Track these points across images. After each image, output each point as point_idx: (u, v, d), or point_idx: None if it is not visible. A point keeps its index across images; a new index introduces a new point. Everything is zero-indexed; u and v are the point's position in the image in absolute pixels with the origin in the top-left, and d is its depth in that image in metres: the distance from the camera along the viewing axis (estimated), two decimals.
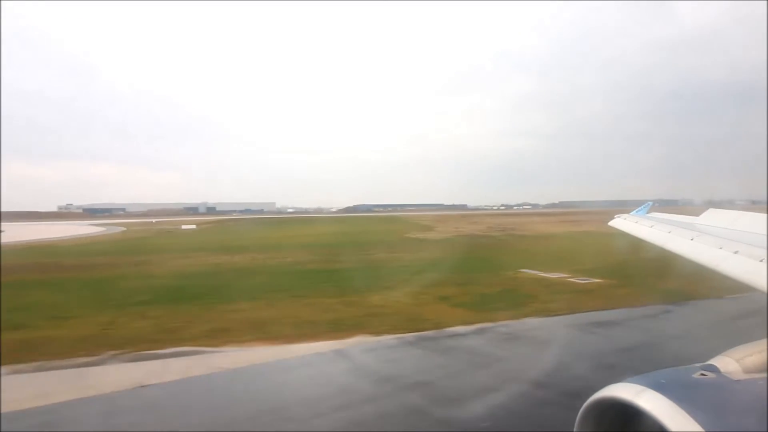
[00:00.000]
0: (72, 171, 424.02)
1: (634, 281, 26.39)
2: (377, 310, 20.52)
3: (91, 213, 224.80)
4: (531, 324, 18.48)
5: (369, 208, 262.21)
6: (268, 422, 10.28)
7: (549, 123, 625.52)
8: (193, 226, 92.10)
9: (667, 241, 5.93)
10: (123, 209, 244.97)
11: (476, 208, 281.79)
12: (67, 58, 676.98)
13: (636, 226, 7.65)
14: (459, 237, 64.45)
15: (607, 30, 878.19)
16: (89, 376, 13.30)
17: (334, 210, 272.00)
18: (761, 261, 3.72)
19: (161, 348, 15.50)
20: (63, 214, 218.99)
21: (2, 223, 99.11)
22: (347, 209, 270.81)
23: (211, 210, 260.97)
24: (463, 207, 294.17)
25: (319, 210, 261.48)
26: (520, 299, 22.54)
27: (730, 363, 2.75)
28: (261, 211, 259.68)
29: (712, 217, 6.48)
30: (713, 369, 2.73)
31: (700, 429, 2.16)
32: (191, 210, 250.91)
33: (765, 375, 2.69)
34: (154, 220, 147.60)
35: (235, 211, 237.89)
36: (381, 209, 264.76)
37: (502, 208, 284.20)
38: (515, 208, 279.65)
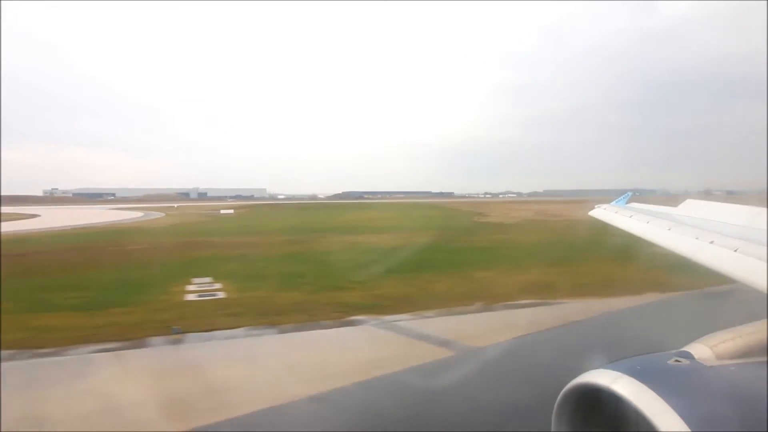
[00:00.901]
0: (44, 155, 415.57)
1: None
2: (636, 275, 23.82)
3: (88, 197, 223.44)
4: None
5: (360, 195, 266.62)
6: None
7: (523, 113, 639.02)
8: (231, 211, 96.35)
9: (646, 231, 5.99)
10: (113, 194, 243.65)
11: (463, 196, 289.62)
12: (40, 42, 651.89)
13: (616, 216, 7.73)
14: (528, 222, 69.28)
15: (583, 21, 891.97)
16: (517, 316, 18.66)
17: (322, 197, 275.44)
18: (735, 251, 3.80)
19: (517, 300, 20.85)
20: (52, 199, 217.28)
21: (35, 207, 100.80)
22: (337, 195, 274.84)
23: (202, 195, 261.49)
24: (450, 195, 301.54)
25: (313, 196, 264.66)
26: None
27: (704, 350, 2.82)
28: (252, 197, 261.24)
29: (690, 208, 6.69)
30: (687, 356, 2.82)
31: (675, 414, 2.23)
32: (183, 195, 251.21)
33: (737, 361, 2.78)
34: (176, 205, 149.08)
35: (227, 197, 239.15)
36: (370, 196, 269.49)
37: (488, 196, 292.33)
38: (500, 196, 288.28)
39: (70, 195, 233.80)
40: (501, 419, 9.76)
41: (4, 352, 13.93)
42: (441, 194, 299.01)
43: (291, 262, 32.25)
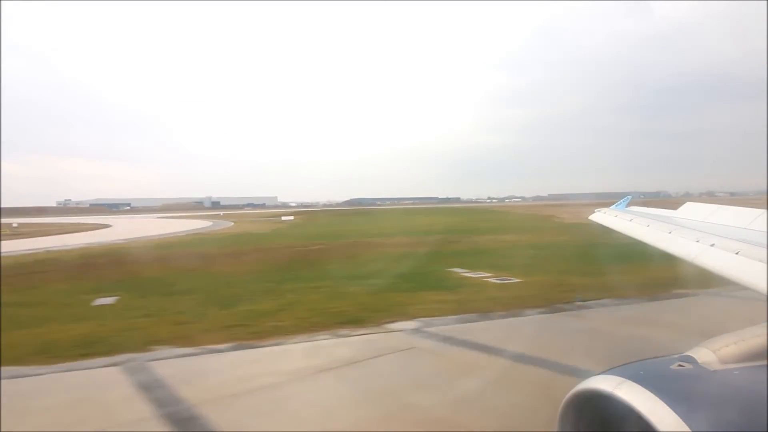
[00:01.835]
0: (42, 166, 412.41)
1: None
2: None
3: (107, 207, 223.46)
4: None
5: (372, 202, 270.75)
6: None
7: (520, 117, 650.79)
8: (292, 218, 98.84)
9: (646, 235, 6.04)
10: (128, 204, 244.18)
11: (469, 201, 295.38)
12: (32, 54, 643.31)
13: (616, 219, 7.77)
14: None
15: (581, 25, 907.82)
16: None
17: (334, 204, 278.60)
18: (736, 254, 3.78)
19: None
20: (69, 210, 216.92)
21: (103, 218, 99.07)
22: (348, 202, 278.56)
23: (215, 204, 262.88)
24: (456, 200, 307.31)
25: (329, 203, 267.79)
26: None
27: (707, 354, 2.82)
28: (263, 205, 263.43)
29: (690, 211, 6.79)
30: (690, 360, 2.82)
31: (678, 419, 2.24)
32: (197, 204, 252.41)
33: (740, 365, 2.77)
34: (221, 213, 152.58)
35: (245, 205, 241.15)
36: (379, 202, 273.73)
37: (495, 201, 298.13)
38: (507, 201, 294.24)
39: (87, 205, 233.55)
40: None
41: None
42: (448, 200, 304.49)
43: (506, 256, 32.20)
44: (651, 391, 2.39)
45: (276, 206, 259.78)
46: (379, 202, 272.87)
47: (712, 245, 4.23)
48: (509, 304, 17.81)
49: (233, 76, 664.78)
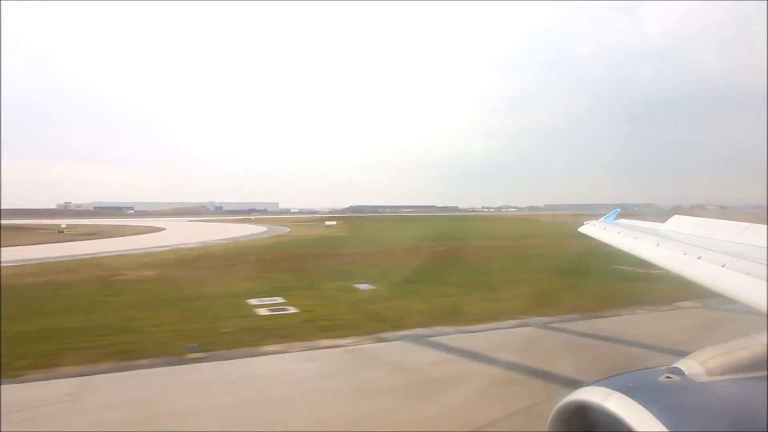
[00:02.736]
0: (34, 169, 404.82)
1: None
2: None
3: (110, 210, 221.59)
4: None
5: (375, 209, 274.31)
6: None
7: (512, 125, 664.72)
8: (334, 223, 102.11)
9: (634, 247, 6.10)
10: (132, 208, 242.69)
11: (466, 210, 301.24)
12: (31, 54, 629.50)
13: (604, 232, 7.92)
14: None
15: (575, 34, 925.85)
16: None
17: (339, 210, 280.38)
18: (723, 266, 3.82)
19: None
20: (70, 212, 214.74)
21: (153, 219, 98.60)
22: (349, 209, 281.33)
23: (218, 209, 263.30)
24: (455, 209, 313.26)
25: (333, 210, 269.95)
26: None
27: (695, 366, 2.82)
28: (265, 211, 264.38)
29: (677, 224, 6.94)
30: (678, 371, 2.82)
31: (666, 430, 2.25)
32: (201, 208, 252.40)
33: (727, 377, 2.78)
34: (252, 218, 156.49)
35: (253, 210, 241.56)
36: (380, 210, 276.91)
37: (492, 210, 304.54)
38: (503, 210, 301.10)
39: (91, 208, 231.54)
40: None
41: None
42: (446, 208, 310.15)
43: None
44: (639, 403, 2.42)
45: (278, 212, 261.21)
46: (379, 210, 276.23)
47: (699, 258, 4.30)
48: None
49: (233, 80, 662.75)
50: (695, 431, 2.33)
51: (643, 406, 2.39)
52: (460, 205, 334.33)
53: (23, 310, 18.83)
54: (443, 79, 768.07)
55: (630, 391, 2.53)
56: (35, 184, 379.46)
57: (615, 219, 9.63)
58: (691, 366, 2.83)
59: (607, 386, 2.61)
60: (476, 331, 15.85)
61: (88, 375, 11.86)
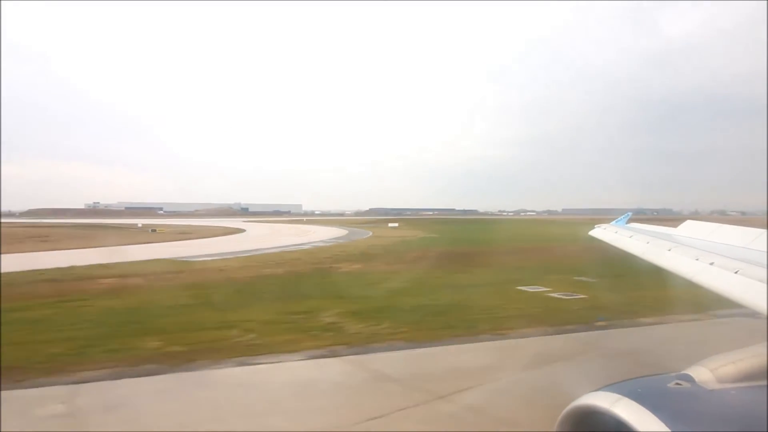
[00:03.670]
0: (46, 170, 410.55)
1: None
2: None
3: (143, 210, 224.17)
4: None
5: (397, 212, 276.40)
6: None
7: (528, 132, 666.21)
8: (396, 224, 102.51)
9: (645, 252, 6.04)
10: (161, 208, 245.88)
11: (485, 214, 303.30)
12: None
13: (615, 236, 7.86)
14: None
15: (591, 40, 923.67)
16: None
17: (363, 212, 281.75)
18: (736, 273, 3.78)
19: None
20: (103, 212, 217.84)
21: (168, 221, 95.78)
22: (370, 212, 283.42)
23: (244, 210, 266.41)
24: (474, 212, 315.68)
25: (358, 212, 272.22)
26: None
27: (705, 373, 2.81)
28: (288, 213, 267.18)
29: (690, 229, 6.78)
30: (688, 378, 2.82)
31: None
32: (227, 209, 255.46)
33: (738, 385, 2.76)
34: (305, 219, 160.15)
35: (280, 212, 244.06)
36: (402, 213, 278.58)
37: (510, 213, 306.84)
38: (522, 214, 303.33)
39: (122, 208, 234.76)
40: None
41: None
42: (466, 212, 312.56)
43: None
44: (647, 409, 2.40)
45: (302, 214, 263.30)
46: (401, 213, 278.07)
47: (712, 264, 4.25)
48: None
49: (246, 84, 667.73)
50: None
51: (652, 412, 2.39)
52: (479, 209, 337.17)
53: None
54: (455, 88, 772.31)
55: (638, 396, 2.53)
56: (47, 185, 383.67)
57: (626, 223, 9.61)
58: (702, 373, 2.84)
59: (615, 391, 2.63)
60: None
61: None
